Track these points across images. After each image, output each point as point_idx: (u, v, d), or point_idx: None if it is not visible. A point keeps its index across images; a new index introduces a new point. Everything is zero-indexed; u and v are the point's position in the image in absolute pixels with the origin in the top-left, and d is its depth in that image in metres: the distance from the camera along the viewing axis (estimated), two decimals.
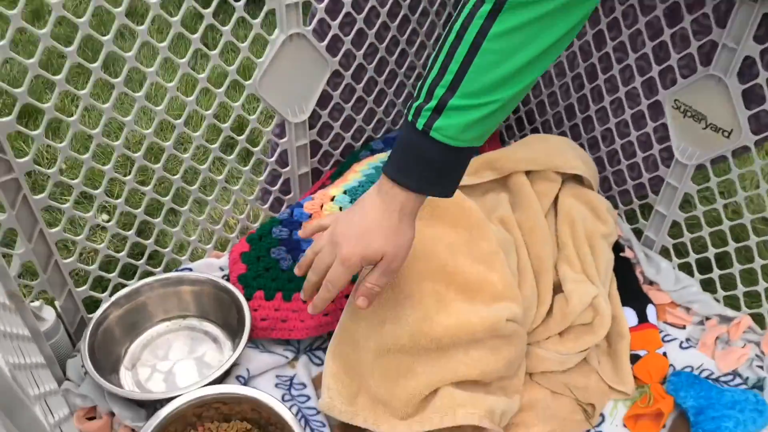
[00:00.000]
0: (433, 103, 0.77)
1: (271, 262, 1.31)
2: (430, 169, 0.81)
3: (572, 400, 1.23)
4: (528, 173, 1.40)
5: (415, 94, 0.81)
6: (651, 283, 1.47)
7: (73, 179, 1.14)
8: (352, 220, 0.88)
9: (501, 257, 1.17)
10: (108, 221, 1.28)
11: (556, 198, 1.41)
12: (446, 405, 1.04)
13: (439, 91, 0.77)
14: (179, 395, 1.08)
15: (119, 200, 1.23)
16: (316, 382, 1.25)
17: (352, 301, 1.10)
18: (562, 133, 1.60)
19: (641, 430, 1.20)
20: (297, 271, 1.03)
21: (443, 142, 0.78)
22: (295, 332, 1.26)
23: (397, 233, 0.85)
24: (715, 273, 1.39)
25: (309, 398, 1.20)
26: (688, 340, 1.36)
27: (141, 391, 1.19)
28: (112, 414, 1.12)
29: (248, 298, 1.27)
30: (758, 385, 1.26)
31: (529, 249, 1.30)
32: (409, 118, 0.81)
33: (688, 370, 1.27)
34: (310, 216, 1.33)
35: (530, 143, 1.47)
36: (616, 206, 1.54)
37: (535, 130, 1.68)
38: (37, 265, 1.13)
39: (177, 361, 1.25)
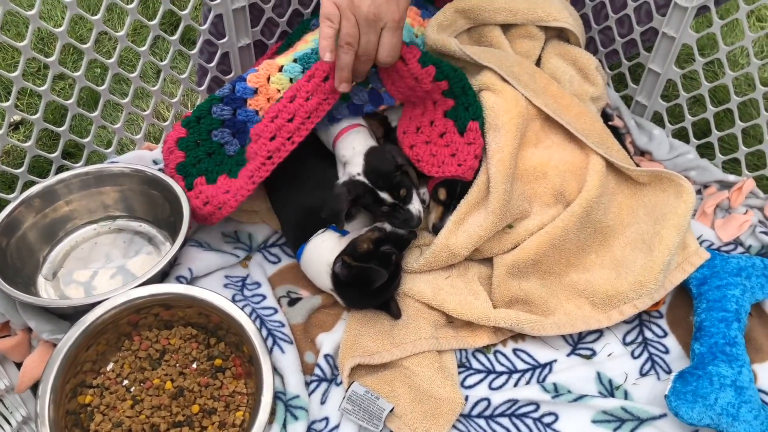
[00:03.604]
0: None
1: (214, 146, 1.11)
2: None
3: None
4: (506, 31, 1.21)
5: None
6: (643, 153, 1.32)
7: None
8: None
9: None
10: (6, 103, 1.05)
11: (539, 59, 1.22)
12: None
13: None
14: (107, 299, 0.91)
15: (15, 73, 1.00)
16: (272, 280, 1.09)
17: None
18: None
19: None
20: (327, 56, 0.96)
21: None
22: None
23: None
24: (714, 136, 1.25)
25: (264, 298, 1.04)
26: None
27: None
28: (30, 330, 0.95)
29: (189, 188, 1.08)
30: (763, 252, 1.14)
31: None
32: None
33: None
34: (255, 91, 1.12)
35: None
36: None
37: None
38: None
39: (105, 268, 1.07)
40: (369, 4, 0.91)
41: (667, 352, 1.03)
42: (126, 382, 0.93)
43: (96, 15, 1.05)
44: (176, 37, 1.19)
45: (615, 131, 1.31)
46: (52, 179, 1.08)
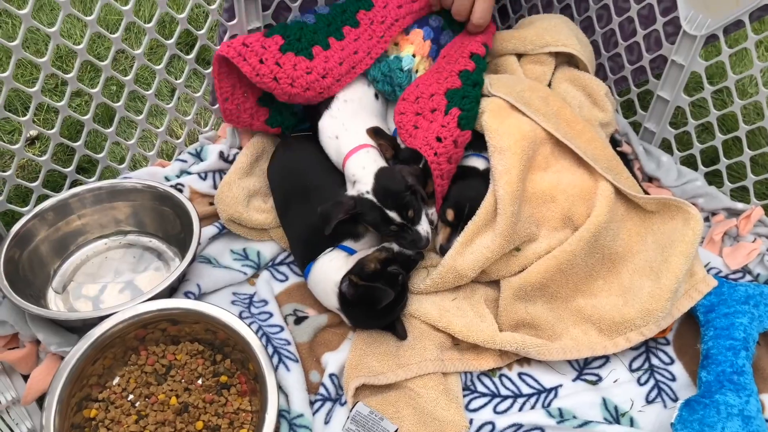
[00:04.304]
0: None
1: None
2: None
3: None
4: (518, 58, 1.23)
5: None
6: (651, 179, 1.33)
7: None
8: None
9: None
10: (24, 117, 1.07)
11: (549, 84, 1.23)
12: None
13: None
14: (115, 312, 0.92)
15: (34, 88, 1.02)
16: (280, 298, 1.10)
17: None
18: None
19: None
20: None
21: None
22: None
23: None
24: (723, 163, 1.25)
25: (271, 315, 1.05)
26: None
27: None
28: (38, 342, 0.96)
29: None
30: None
31: None
32: None
33: None
34: None
35: (522, 24, 1.29)
36: None
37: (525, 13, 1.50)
38: None
39: (114, 283, 1.08)
40: None
41: (673, 379, 1.02)
42: (131, 396, 0.94)
43: (115, 33, 1.08)
44: (192, 56, 1.21)
45: (623, 157, 1.31)
46: (65, 193, 1.10)
